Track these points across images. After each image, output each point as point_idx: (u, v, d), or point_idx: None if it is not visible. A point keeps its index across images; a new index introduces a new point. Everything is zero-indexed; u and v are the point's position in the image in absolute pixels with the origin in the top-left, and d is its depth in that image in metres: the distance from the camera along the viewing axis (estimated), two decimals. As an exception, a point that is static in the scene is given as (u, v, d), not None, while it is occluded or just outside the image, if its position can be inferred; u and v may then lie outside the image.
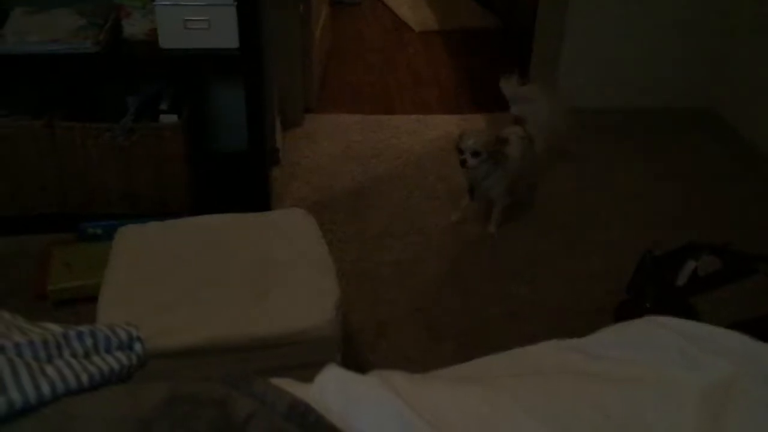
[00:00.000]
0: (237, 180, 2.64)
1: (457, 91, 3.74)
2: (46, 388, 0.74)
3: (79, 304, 2.10)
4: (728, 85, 3.26)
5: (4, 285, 2.19)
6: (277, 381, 0.82)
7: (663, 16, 3.18)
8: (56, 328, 0.83)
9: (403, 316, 2.21)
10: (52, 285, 2.15)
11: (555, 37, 3.19)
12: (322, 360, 1.50)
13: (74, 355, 0.81)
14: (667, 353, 0.96)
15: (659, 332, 1.00)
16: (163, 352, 1.38)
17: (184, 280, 1.62)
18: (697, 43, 3.24)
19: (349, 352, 1.74)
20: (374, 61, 4.09)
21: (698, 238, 2.16)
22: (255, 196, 2.54)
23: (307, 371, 1.00)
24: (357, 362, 1.96)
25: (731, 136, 3.21)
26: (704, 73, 3.30)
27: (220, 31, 2.24)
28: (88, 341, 0.84)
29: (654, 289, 2.07)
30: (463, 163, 2.39)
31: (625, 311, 2.10)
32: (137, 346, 0.90)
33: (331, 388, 0.86)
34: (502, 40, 4.35)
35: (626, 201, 2.82)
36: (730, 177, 3.02)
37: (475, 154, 2.39)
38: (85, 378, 0.79)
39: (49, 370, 0.76)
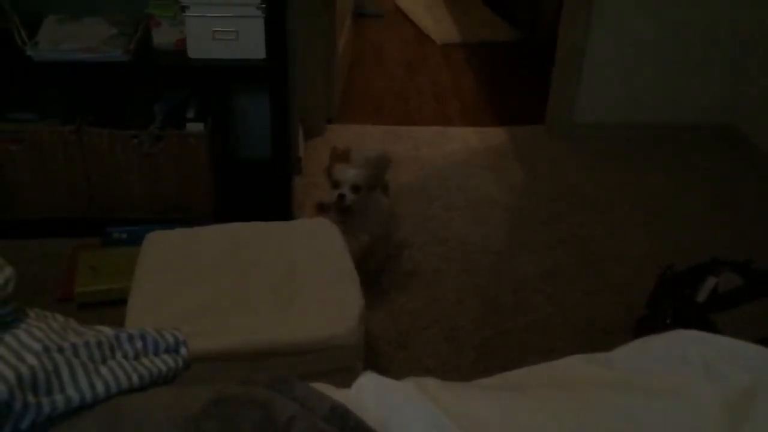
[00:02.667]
0: (260, 188, 2.67)
1: (478, 103, 3.76)
2: (100, 388, 0.77)
3: (104, 308, 2.14)
4: (749, 101, 3.26)
5: (31, 286, 2.23)
6: (316, 385, 0.84)
7: (685, 32, 3.19)
8: (108, 330, 0.87)
9: (423, 326, 2.22)
10: (79, 288, 2.19)
11: (577, 51, 3.21)
12: (344, 368, 1.54)
13: (125, 357, 0.84)
14: (691, 366, 0.98)
15: (684, 345, 1.02)
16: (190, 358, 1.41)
17: (210, 286, 1.65)
18: (719, 59, 3.24)
19: (369, 361, 1.75)
20: (396, 72, 4.12)
21: (718, 254, 2.16)
22: (277, 204, 2.57)
23: (329, 379, 1.02)
24: (377, 372, 1.97)
25: (753, 152, 3.20)
26: (726, 89, 3.30)
27: (248, 42, 2.28)
28: (138, 344, 0.87)
29: (674, 305, 2.07)
30: (341, 199, 1.98)
31: (645, 327, 2.10)
32: (183, 350, 0.93)
33: (369, 393, 0.88)
34: (523, 53, 4.37)
35: (647, 215, 2.83)
36: (751, 193, 3.01)
37: (355, 188, 2.00)
38: (135, 378, 0.81)
39: (103, 370, 0.79)
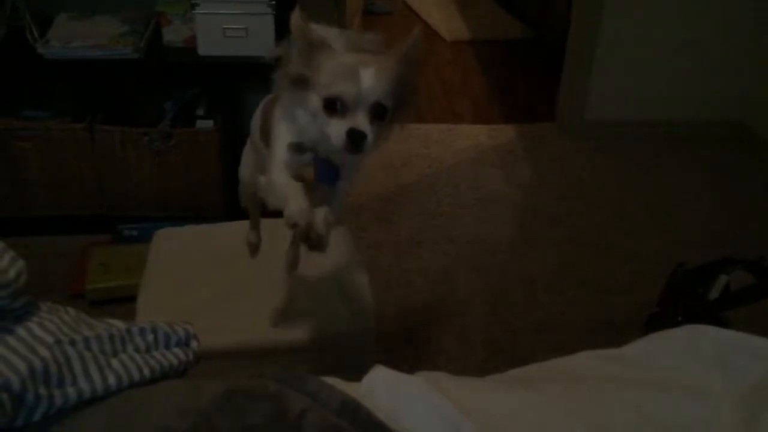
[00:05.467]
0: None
1: (488, 101, 3.75)
2: (112, 380, 0.78)
3: (114, 304, 2.15)
4: (762, 98, 3.23)
5: (43, 283, 2.24)
6: (326, 379, 0.84)
7: (697, 28, 3.17)
8: (120, 323, 0.87)
9: (433, 324, 2.22)
10: (90, 284, 2.20)
11: (588, 48, 3.19)
12: (353, 365, 1.54)
13: (137, 350, 0.85)
14: (704, 360, 0.97)
15: (697, 340, 1.01)
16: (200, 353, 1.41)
17: (219, 283, 1.65)
18: (732, 56, 3.22)
19: (378, 358, 1.75)
20: (405, 70, 4.11)
21: (730, 252, 2.15)
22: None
23: (339, 374, 1.02)
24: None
25: (765, 149, 3.18)
26: (737, 86, 3.27)
27: (258, 39, 2.28)
28: (149, 337, 0.88)
29: (685, 303, 2.06)
30: (358, 140, 0.98)
31: (655, 324, 2.09)
32: (193, 344, 0.93)
33: (380, 387, 0.88)
34: (533, 50, 4.36)
35: (658, 213, 2.81)
36: (764, 191, 2.99)
37: (380, 112, 1.01)
38: (146, 372, 0.82)
39: (115, 363, 0.80)
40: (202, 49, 2.32)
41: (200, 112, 2.49)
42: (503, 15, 4.84)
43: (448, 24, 4.67)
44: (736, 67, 3.24)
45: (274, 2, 2.24)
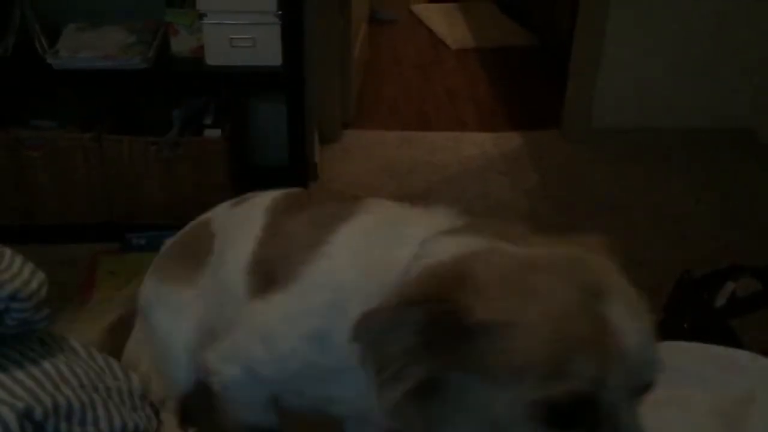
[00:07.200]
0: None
1: (493, 108, 3.76)
2: (131, 427, 0.80)
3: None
4: (767, 105, 3.24)
5: (52, 291, 2.25)
6: None
7: (702, 36, 3.17)
8: (137, 384, 0.88)
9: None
10: (98, 293, 2.21)
11: (593, 55, 3.20)
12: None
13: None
14: (683, 374, 0.96)
15: (676, 356, 1.00)
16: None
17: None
18: (737, 63, 3.22)
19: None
20: (411, 77, 4.13)
21: (737, 259, 2.15)
22: (294, 210, 2.58)
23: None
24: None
25: (771, 157, 3.18)
26: (743, 93, 3.28)
27: (265, 49, 2.29)
28: None
29: (692, 310, 2.05)
30: None
31: (662, 332, 2.09)
32: None
33: None
34: (539, 57, 4.37)
35: (664, 221, 2.81)
36: (770, 198, 2.99)
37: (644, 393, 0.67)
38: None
39: (135, 417, 0.82)
40: (210, 59, 2.33)
41: (208, 121, 2.50)
42: (508, 22, 4.86)
43: (453, 32, 4.69)
44: (743, 74, 3.24)
45: (280, 12, 2.25)
